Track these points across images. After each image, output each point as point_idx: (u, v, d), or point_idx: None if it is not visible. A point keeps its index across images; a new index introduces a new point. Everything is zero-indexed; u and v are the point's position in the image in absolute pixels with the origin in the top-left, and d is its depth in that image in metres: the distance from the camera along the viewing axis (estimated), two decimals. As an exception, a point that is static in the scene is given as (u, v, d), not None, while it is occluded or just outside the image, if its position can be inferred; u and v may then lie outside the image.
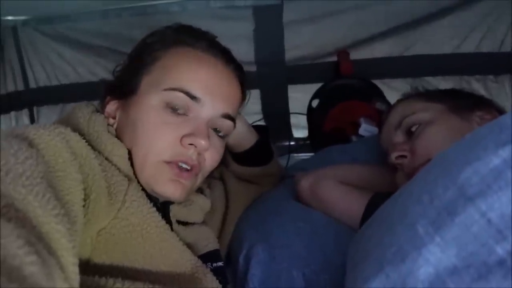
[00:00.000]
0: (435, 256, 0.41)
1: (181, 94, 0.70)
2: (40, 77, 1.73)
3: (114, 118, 0.75)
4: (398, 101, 0.98)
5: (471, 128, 0.84)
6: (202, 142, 0.68)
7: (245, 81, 0.81)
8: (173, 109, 0.70)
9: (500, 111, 0.92)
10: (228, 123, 0.76)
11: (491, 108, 0.90)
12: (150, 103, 0.70)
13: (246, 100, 0.85)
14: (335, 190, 0.94)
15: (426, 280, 0.41)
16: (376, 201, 0.87)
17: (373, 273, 0.47)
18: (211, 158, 0.74)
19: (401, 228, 0.47)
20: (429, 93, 0.97)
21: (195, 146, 0.69)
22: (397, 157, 0.87)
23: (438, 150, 0.79)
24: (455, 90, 1.00)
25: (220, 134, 0.76)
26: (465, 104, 0.89)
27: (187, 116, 0.71)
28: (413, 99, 0.95)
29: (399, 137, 0.91)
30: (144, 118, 0.70)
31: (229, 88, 0.75)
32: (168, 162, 0.69)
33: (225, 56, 0.76)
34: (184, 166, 0.70)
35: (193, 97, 0.70)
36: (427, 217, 0.45)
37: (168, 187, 0.69)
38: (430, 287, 0.41)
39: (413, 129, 0.88)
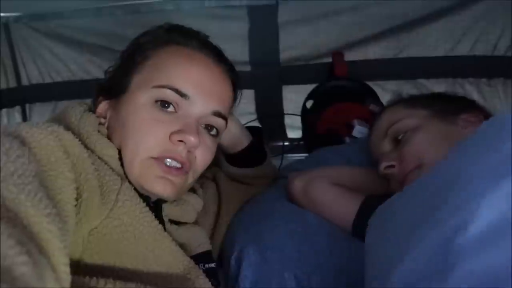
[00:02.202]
0: None
1: (170, 91, 0.69)
2: (32, 74, 1.72)
3: (105, 118, 0.75)
4: (384, 109, 0.99)
5: (456, 131, 0.85)
6: (192, 139, 0.68)
7: (237, 81, 0.81)
8: (163, 106, 0.70)
9: (484, 112, 0.92)
10: (220, 121, 0.75)
11: (475, 110, 0.91)
12: (140, 101, 0.70)
13: (238, 100, 0.85)
14: (327, 191, 0.94)
15: None
16: (368, 204, 0.87)
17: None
18: (202, 156, 0.73)
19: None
20: (413, 99, 0.98)
21: (185, 143, 0.69)
22: (385, 168, 0.88)
23: (425, 156, 0.82)
24: (439, 94, 1.01)
25: (211, 132, 0.76)
26: (449, 108, 0.90)
27: (177, 113, 0.70)
28: (398, 106, 0.95)
29: (386, 146, 0.91)
30: (134, 116, 0.70)
31: (220, 86, 0.75)
32: (156, 158, 0.68)
33: (217, 55, 0.76)
34: (174, 163, 0.69)
35: (182, 95, 0.70)
36: None
37: (157, 184, 0.68)
38: None
39: (400, 137, 0.88)
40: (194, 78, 0.71)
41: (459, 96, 1.00)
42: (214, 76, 0.74)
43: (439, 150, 0.76)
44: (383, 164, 0.88)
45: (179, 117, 0.70)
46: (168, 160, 0.69)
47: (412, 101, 0.95)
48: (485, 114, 0.91)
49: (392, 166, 0.87)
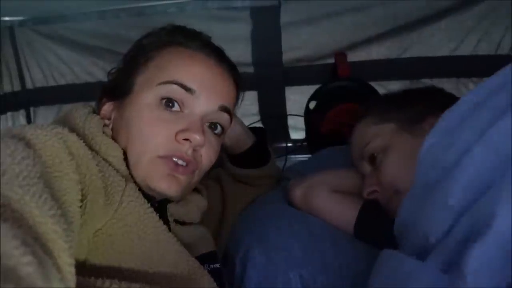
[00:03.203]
0: None
1: (175, 87, 0.70)
2: (37, 78, 1.73)
3: (109, 119, 0.75)
4: (357, 125, 0.98)
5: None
6: (197, 137, 0.68)
7: (239, 81, 0.81)
8: (168, 105, 0.70)
9: (448, 105, 0.88)
10: (225, 116, 0.75)
11: (439, 111, 0.86)
12: (144, 101, 0.70)
13: (241, 100, 0.85)
14: (327, 199, 0.94)
15: None
16: (367, 209, 0.88)
17: None
18: (207, 154, 0.73)
19: None
20: (380, 108, 0.95)
21: (190, 142, 0.69)
22: (368, 194, 0.88)
23: (398, 181, 0.81)
24: (404, 98, 0.96)
25: (216, 131, 0.76)
26: (414, 116, 0.88)
27: (182, 113, 0.71)
28: (367, 122, 0.94)
29: (366, 167, 0.91)
30: (139, 116, 0.70)
31: (223, 84, 0.75)
32: (163, 157, 0.69)
33: (219, 55, 0.77)
34: (180, 162, 0.70)
35: (187, 89, 0.70)
36: None
37: (163, 182, 0.68)
38: None
39: (376, 156, 0.88)
40: (197, 75, 0.72)
41: (422, 92, 0.98)
42: (217, 75, 0.74)
43: (411, 170, 0.74)
44: (365, 191, 0.88)
45: (184, 116, 0.70)
46: (175, 158, 0.69)
47: (378, 114, 0.93)
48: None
49: (375, 191, 0.87)
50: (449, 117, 0.59)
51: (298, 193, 0.97)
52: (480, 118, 0.54)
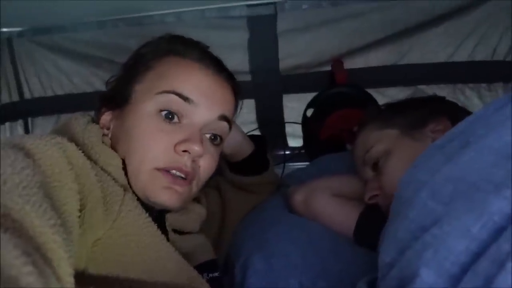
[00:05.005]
0: None
1: (174, 97, 0.70)
2: (35, 88, 1.72)
3: (108, 128, 0.75)
4: (358, 132, 0.98)
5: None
6: (196, 148, 0.68)
7: (238, 90, 0.81)
8: (167, 116, 0.70)
9: (450, 112, 0.90)
10: (224, 125, 0.76)
11: (441, 117, 0.89)
12: (144, 110, 0.71)
13: (239, 109, 0.85)
14: (327, 204, 0.94)
15: None
16: (367, 214, 0.88)
17: None
18: (206, 165, 0.74)
19: None
20: (382, 115, 0.96)
21: (189, 153, 0.69)
22: (369, 198, 0.88)
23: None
24: (407, 105, 0.98)
25: (215, 142, 0.76)
26: (416, 122, 0.89)
27: (181, 123, 0.71)
28: (369, 128, 0.95)
29: (368, 172, 0.92)
30: (138, 126, 0.70)
31: (222, 93, 0.76)
32: (162, 170, 0.69)
33: (217, 65, 0.77)
34: (178, 174, 0.70)
35: (186, 99, 0.70)
36: None
37: (163, 195, 0.69)
38: None
39: (378, 162, 0.88)
40: (196, 85, 0.72)
41: (424, 100, 1.00)
42: (215, 85, 0.75)
43: None
44: (367, 195, 0.89)
45: (182, 127, 0.71)
46: (173, 171, 0.69)
47: (381, 120, 0.94)
48: (451, 116, 0.88)
49: (376, 195, 0.87)
50: (428, 150, 0.60)
51: (299, 197, 0.98)
52: (435, 159, 0.55)
